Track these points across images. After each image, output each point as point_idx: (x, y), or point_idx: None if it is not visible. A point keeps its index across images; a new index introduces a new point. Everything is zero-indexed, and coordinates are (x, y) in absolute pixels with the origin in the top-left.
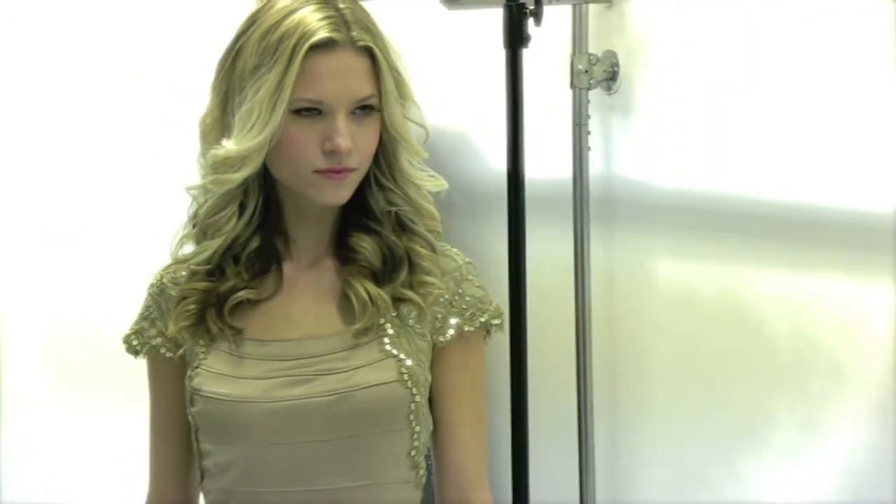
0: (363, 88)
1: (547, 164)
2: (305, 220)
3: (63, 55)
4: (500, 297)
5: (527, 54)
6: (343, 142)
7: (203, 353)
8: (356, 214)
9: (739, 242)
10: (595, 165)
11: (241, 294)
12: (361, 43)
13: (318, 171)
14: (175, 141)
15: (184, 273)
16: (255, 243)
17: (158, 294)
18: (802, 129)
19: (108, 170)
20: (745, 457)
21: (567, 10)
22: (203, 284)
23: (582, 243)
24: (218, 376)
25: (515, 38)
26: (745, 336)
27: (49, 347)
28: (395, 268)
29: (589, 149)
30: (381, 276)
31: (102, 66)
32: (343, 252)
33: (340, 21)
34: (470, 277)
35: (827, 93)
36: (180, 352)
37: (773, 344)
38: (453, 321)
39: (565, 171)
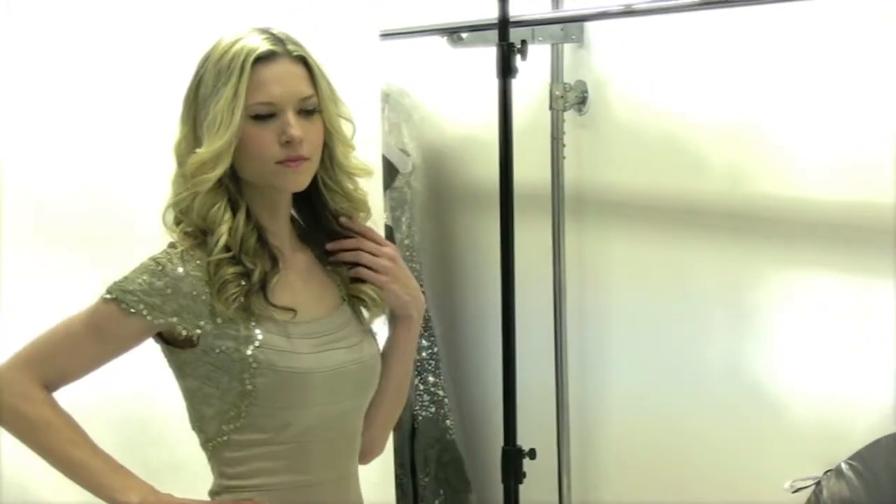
0: (304, 89)
1: (531, 171)
2: (276, 215)
3: (67, 55)
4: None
5: (515, 83)
6: (295, 131)
7: (253, 333)
8: (306, 210)
9: (681, 230)
10: (569, 172)
11: (276, 278)
12: (296, 53)
13: (279, 162)
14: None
15: (198, 262)
16: (254, 238)
17: (181, 278)
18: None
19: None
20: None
21: (547, 48)
22: (234, 269)
23: (559, 232)
24: (279, 352)
25: (506, 70)
26: (679, 292)
27: None
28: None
29: (564, 158)
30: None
31: (106, 65)
32: (308, 244)
33: (276, 38)
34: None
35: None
36: (198, 331)
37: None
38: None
39: (545, 176)
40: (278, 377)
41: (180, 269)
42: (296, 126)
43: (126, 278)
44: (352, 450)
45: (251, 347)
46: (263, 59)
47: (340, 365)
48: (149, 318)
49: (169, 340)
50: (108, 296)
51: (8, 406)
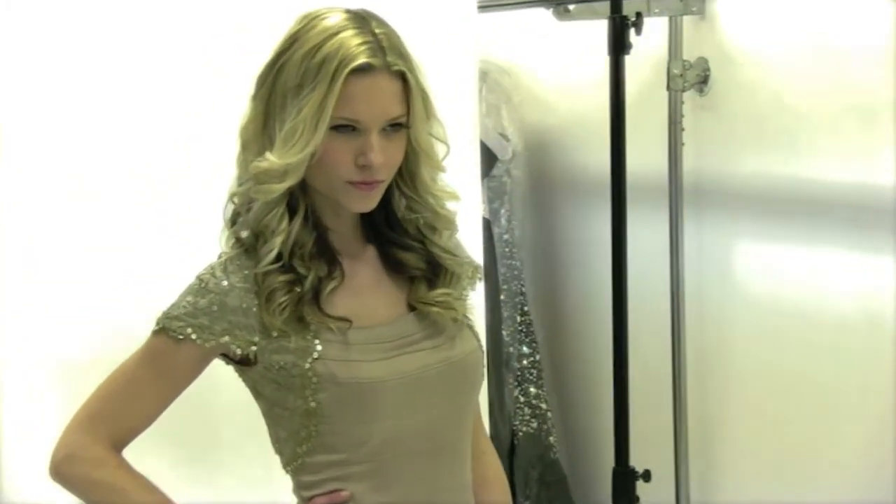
0: (395, 109)
1: (645, 158)
2: (342, 219)
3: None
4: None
5: (628, 60)
6: (376, 158)
7: (311, 344)
8: (379, 214)
9: (814, 224)
10: (688, 159)
11: (331, 284)
12: (395, 68)
13: (349, 182)
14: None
15: (246, 272)
16: (312, 239)
17: (226, 292)
18: (881, 131)
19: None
20: (824, 450)
21: (664, 21)
22: (284, 277)
23: (676, 227)
24: (341, 363)
25: (618, 46)
26: (818, 308)
27: (49, 346)
28: (435, 272)
29: (683, 144)
30: (433, 281)
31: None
32: (380, 248)
33: (377, 47)
34: (459, 242)
35: None
36: (253, 348)
37: (847, 327)
38: (465, 283)
39: (661, 164)
40: (342, 390)
41: (224, 283)
42: (378, 151)
43: (172, 304)
44: (454, 462)
45: (309, 360)
46: (359, 71)
47: (420, 369)
48: (199, 341)
49: (235, 360)
50: (156, 327)
51: (81, 476)
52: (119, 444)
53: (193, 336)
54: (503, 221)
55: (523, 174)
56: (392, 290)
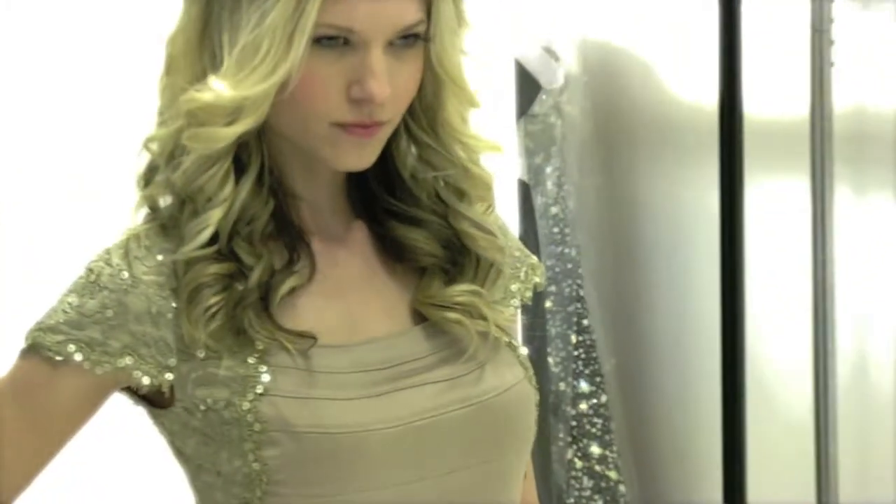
0: (409, 12)
1: (772, 90)
2: (318, 181)
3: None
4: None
5: None
6: (378, 88)
7: (255, 372)
8: (375, 174)
9: None
10: (841, 94)
11: (291, 280)
12: None
13: (337, 125)
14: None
15: (160, 257)
16: (267, 213)
17: (127, 289)
18: None
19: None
20: None
21: None
22: (219, 268)
23: (821, 190)
24: (303, 402)
25: None
26: None
27: None
28: (456, 260)
29: (832, 64)
30: (453, 275)
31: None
32: (373, 226)
33: None
34: (503, 224)
35: None
36: (168, 376)
37: None
38: (514, 287)
39: (797, 98)
40: (300, 446)
41: (125, 275)
42: (381, 77)
43: (49, 310)
44: None
45: (251, 396)
46: None
47: (428, 413)
48: (86, 365)
49: (141, 395)
50: (24, 344)
51: None
52: None
53: (77, 357)
54: (550, 185)
55: (581, 112)
56: (389, 289)
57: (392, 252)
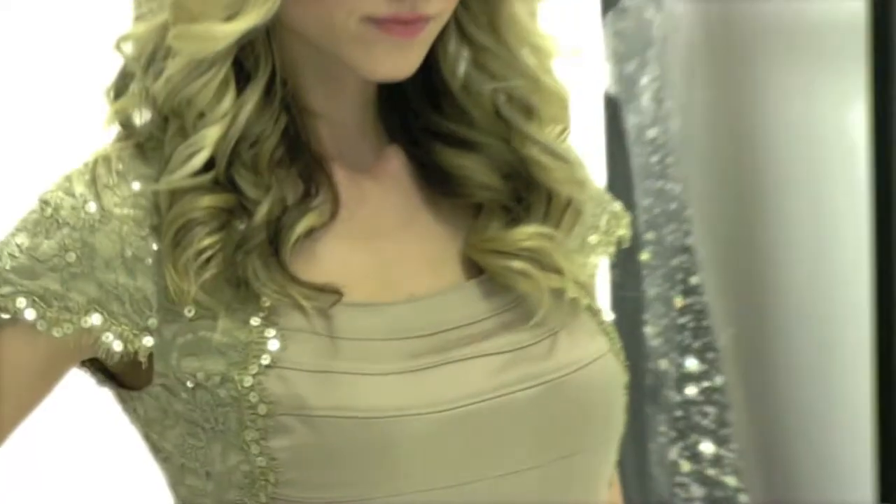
0: None
1: None
2: (343, 94)
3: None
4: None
5: None
6: None
7: (259, 337)
8: (416, 86)
9: None
10: None
11: (304, 222)
12: None
13: (370, 20)
14: None
15: (136, 187)
16: (277, 134)
17: (94, 226)
18: None
19: None
20: None
21: None
22: (214, 199)
23: None
24: (323, 378)
25: None
26: None
27: None
28: (521, 196)
29: None
30: (515, 214)
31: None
32: (414, 151)
33: None
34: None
35: None
36: (146, 341)
37: None
38: (592, 239)
39: None
40: (319, 435)
41: (91, 207)
42: None
43: None
44: None
45: (254, 369)
46: None
47: (481, 393)
48: (40, 324)
49: (106, 370)
50: None
51: None
52: None
53: (29, 314)
54: (645, 102)
55: (688, 4)
56: (434, 233)
57: (437, 185)
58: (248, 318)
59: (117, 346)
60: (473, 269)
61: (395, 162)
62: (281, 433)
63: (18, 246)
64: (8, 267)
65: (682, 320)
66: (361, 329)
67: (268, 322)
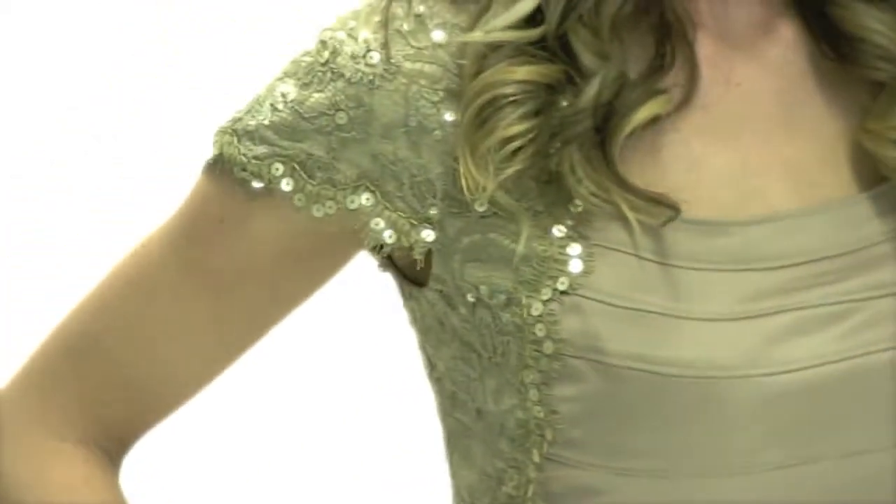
0: None
1: None
2: None
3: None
4: None
5: None
6: None
7: (565, 255)
8: None
9: None
10: None
11: (648, 107)
12: None
13: None
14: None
15: (438, 42)
16: None
17: (374, 81)
18: None
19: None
20: None
21: None
22: (534, 71)
23: None
24: (633, 316)
25: None
26: None
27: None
28: None
29: None
30: None
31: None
32: (819, 22)
33: None
34: None
35: None
36: (428, 235)
37: None
38: None
39: None
40: (619, 389)
41: (375, 57)
42: None
43: (250, 101)
44: None
45: (546, 293)
46: None
47: (841, 352)
48: (298, 199)
49: (394, 261)
50: (208, 160)
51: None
52: (107, 432)
53: (286, 185)
54: None
55: None
56: (822, 129)
57: (831, 53)
58: (552, 225)
59: (388, 237)
60: (867, 178)
61: (785, 32)
62: (567, 380)
63: (284, 96)
64: (267, 122)
65: None
66: (697, 254)
67: (575, 234)
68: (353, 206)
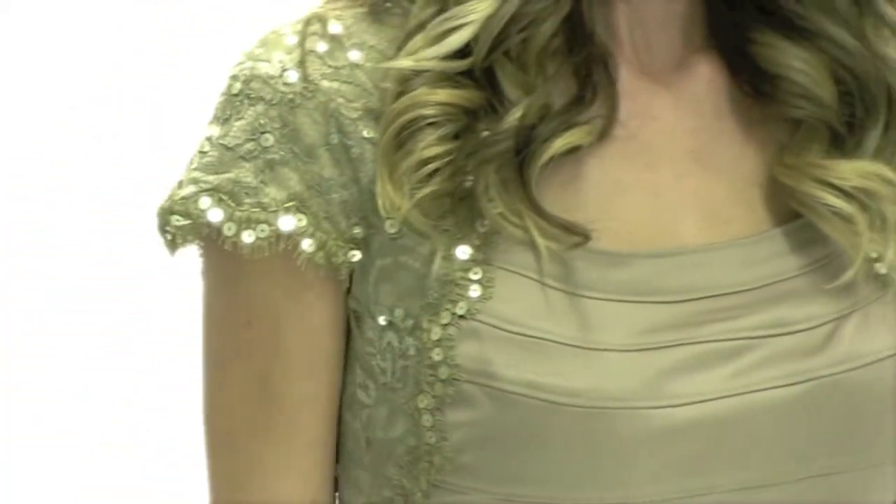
0: None
1: None
2: None
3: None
4: None
5: None
6: None
7: (468, 279)
8: None
9: None
10: None
11: (568, 136)
12: None
13: None
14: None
15: (356, 58)
16: (558, 18)
17: (294, 101)
18: None
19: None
20: None
21: None
22: (456, 95)
23: None
24: (530, 345)
25: None
26: None
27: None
28: (856, 119)
29: None
30: (842, 142)
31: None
32: (737, 60)
33: None
34: None
35: None
36: (354, 258)
37: None
38: None
39: None
40: (510, 417)
41: (292, 76)
42: None
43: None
44: None
45: (445, 317)
46: None
47: (736, 387)
48: (228, 228)
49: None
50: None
51: None
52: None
53: (214, 216)
54: None
55: None
56: (738, 166)
57: (749, 88)
58: (457, 245)
59: (319, 259)
60: (781, 214)
61: (704, 69)
62: (461, 405)
63: (209, 140)
64: (195, 166)
65: None
66: (600, 283)
67: (479, 255)
68: (285, 228)
